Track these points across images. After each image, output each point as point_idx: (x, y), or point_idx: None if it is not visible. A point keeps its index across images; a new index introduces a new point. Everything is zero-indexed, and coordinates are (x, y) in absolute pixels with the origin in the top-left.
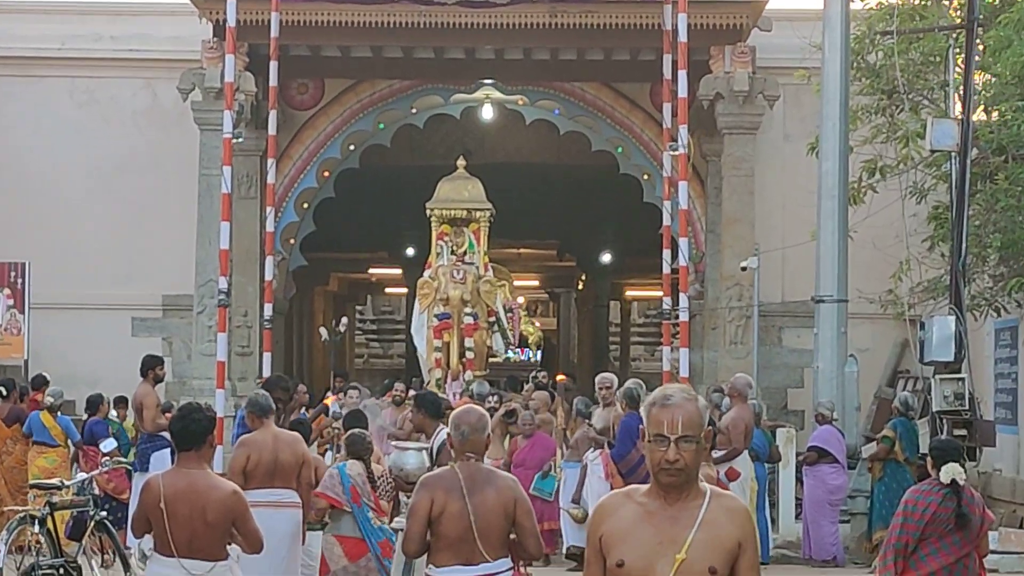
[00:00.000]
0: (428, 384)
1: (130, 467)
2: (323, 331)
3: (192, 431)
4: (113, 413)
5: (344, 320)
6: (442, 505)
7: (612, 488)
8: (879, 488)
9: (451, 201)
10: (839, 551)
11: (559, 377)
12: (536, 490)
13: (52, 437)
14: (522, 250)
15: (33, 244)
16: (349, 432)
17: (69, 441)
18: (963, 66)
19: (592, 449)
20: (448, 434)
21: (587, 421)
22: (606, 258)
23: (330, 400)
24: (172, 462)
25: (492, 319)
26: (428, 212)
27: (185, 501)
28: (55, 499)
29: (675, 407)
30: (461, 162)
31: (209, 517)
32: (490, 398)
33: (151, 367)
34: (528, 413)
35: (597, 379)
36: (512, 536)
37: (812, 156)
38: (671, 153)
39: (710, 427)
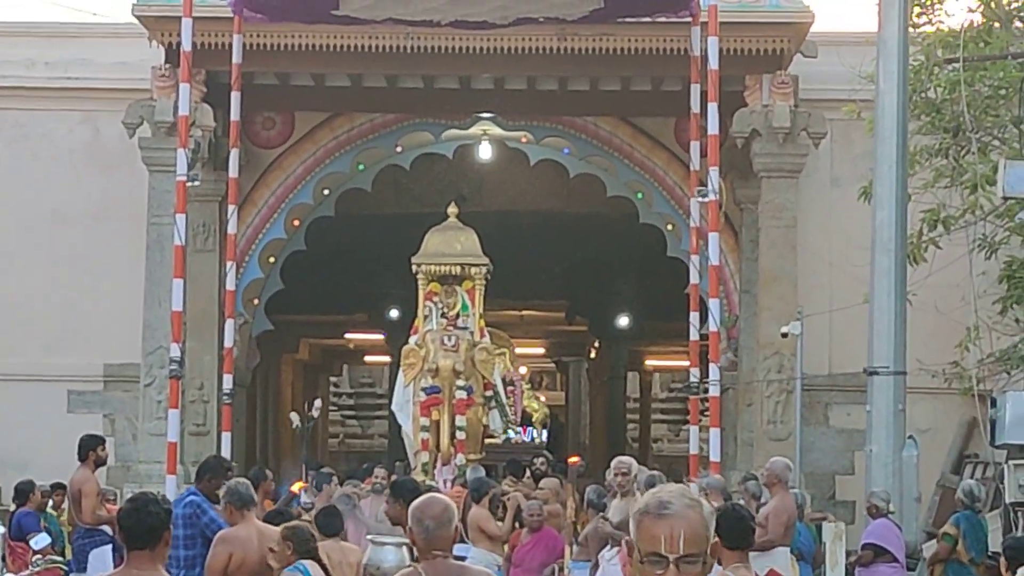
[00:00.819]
0: (415, 470)
1: (65, 567)
2: (295, 417)
3: (148, 526)
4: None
5: (317, 403)
6: None
7: None
8: None
9: (442, 255)
10: None
11: (571, 459)
12: None
13: None
14: (525, 312)
15: None
16: (288, 525)
17: None
18: None
19: (608, 546)
20: (409, 529)
21: (601, 514)
22: (623, 322)
23: (298, 487)
24: (113, 561)
25: (489, 393)
26: (415, 268)
27: None
28: None
29: (675, 518)
30: (453, 209)
31: None
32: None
33: (91, 448)
34: (536, 503)
35: (613, 464)
36: None
37: (864, 203)
38: (700, 200)
39: (715, 539)
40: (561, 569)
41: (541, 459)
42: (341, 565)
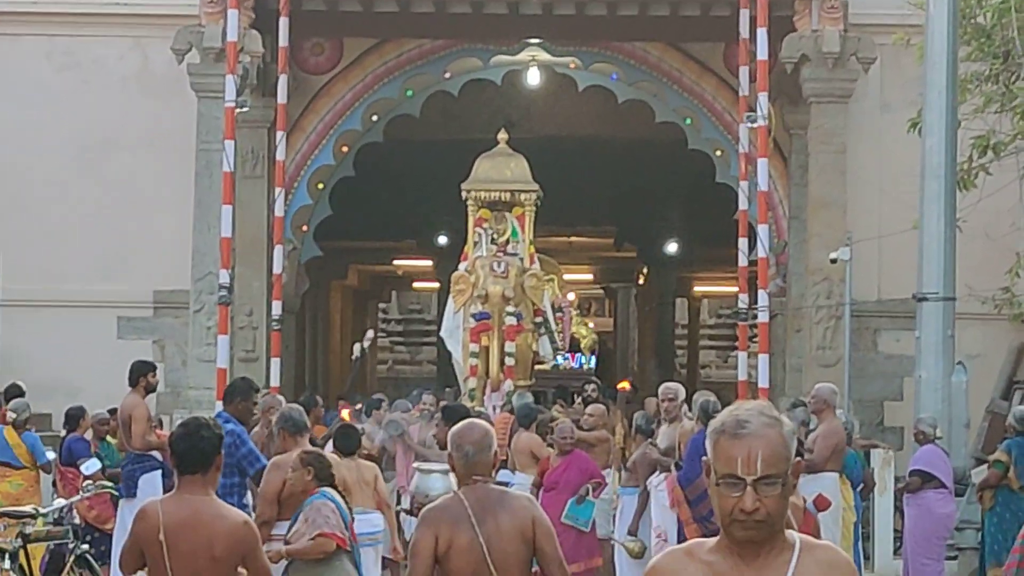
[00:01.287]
0: (463, 396)
1: (116, 492)
2: (357, 348)
3: (200, 451)
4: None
5: (370, 334)
6: (448, 539)
7: (679, 519)
8: (990, 519)
9: (491, 181)
10: None
11: (621, 384)
12: (569, 518)
13: (16, 457)
14: (574, 239)
15: (2, 231)
16: (308, 451)
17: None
18: None
19: (657, 472)
20: (449, 455)
21: (649, 440)
22: (672, 248)
23: (347, 414)
24: (163, 486)
25: (539, 319)
26: (464, 194)
27: (189, 533)
28: (28, 529)
29: (753, 437)
30: (503, 136)
31: (217, 552)
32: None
33: (142, 374)
34: (566, 424)
35: (660, 389)
36: (535, 570)
37: (914, 132)
38: (749, 125)
39: (798, 458)
40: (594, 489)
41: (592, 385)
42: (358, 483)
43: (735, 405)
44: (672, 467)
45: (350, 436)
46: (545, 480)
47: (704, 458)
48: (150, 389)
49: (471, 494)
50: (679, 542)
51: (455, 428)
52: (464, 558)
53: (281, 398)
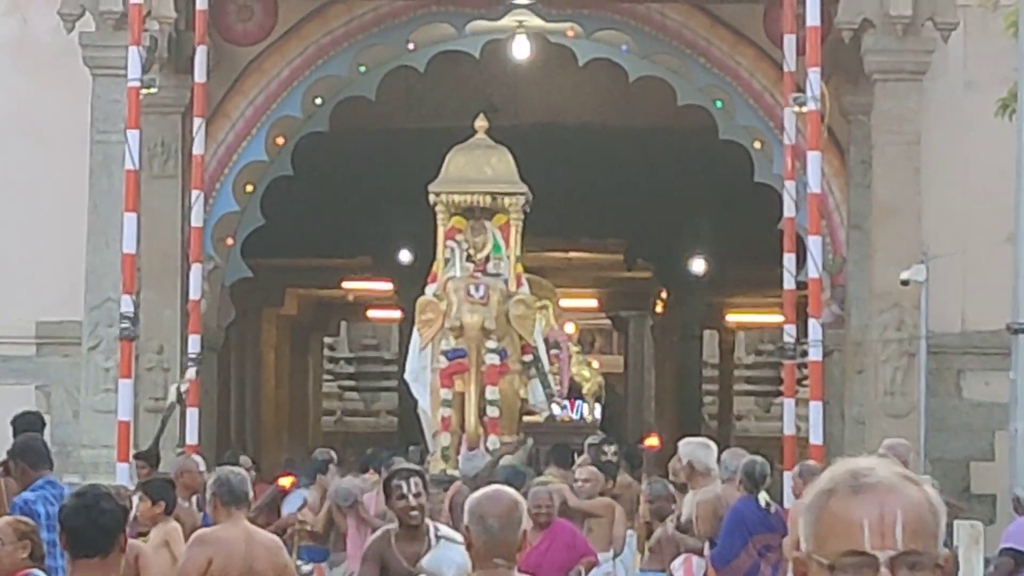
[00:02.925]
0: (432, 456)
1: None
2: (172, 390)
3: (100, 528)
4: None
5: (190, 374)
6: None
7: None
8: None
9: (467, 182)
10: None
11: (648, 442)
12: None
13: None
14: (573, 255)
15: None
16: (20, 518)
17: None
18: None
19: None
20: (466, 528)
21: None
22: (698, 267)
23: (289, 481)
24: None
25: (528, 358)
26: (432, 198)
27: None
28: None
29: (885, 491)
30: (482, 123)
31: None
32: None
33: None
34: (540, 490)
35: (680, 449)
36: None
37: (1004, 118)
38: (796, 109)
39: (946, 550)
40: (587, 571)
41: (613, 447)
42: (158, 550)
43: (849, 463)
44: (706, 545)
45: (164, 487)
46: (522, 563)
47: (794, 554)
48: None
49: None
50: None
51: (476, 496)
52: None
53: (199, 459)
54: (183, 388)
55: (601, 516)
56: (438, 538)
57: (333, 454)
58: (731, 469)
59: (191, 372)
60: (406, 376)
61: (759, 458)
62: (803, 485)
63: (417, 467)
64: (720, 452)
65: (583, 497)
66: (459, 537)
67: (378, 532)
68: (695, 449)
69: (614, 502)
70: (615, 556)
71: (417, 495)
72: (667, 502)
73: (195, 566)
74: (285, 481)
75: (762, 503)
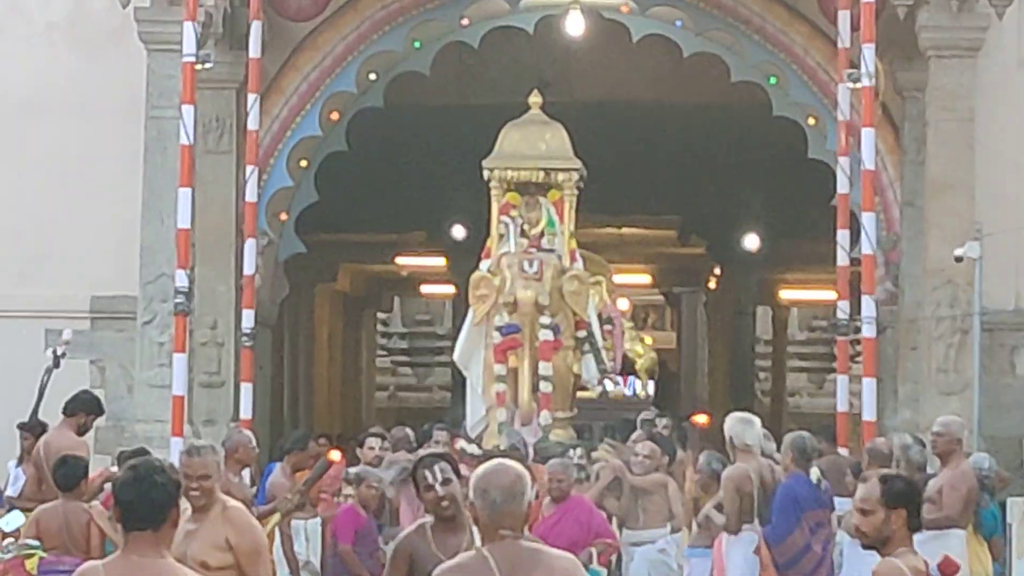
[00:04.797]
0: (487, 431)
1: (44, 554)
2: (50, 353)
3: (151, 501)
4: (13, 468)
5: (67, 334)
6: None
7: None
8: None
9: (521, 157)
10: None
11: (697, 419)
12: None
13: None
14: (626, 230)
15: None
16: None
17: None
18: None
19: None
20: (471, 504)
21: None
22: (751, 243)
23: (336, 454)
24: None
25: (581, 334)
26: (486, 174)
27: None
28: None
29: None
30: (536, 99)
31: None
32: (571, 452)
33: (85, 411)
34: (557, 462)
35: (726, 425)
36: None
37: None
38: (850, 86)
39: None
40: (600, 553)
41: (664, 420)
42: (61, 532)
43: None
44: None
45: (73, 466)
46: (532, 534)
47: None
48: (84, 430)
49: (498, 552)
50: None
51: (479, 470)
52: None
53: (249, 434)
54: (60, 351)
55: (654, 493)
56: None
57: (408, 431)
58: (794, 446)
59: (67, 333)
60: (456, 358)
61: (806, 433)
62: (867, 464)
63: (444, 451)
64: (774, 428)
65: (640, 471)
66: None
67: (412, 526)
68: (735, 424)
69: (668, 478)
70: (672, 532)
71: (445, 482)
72: (711, 478)
73: None
74: (335, 455)
75: (813, 479)
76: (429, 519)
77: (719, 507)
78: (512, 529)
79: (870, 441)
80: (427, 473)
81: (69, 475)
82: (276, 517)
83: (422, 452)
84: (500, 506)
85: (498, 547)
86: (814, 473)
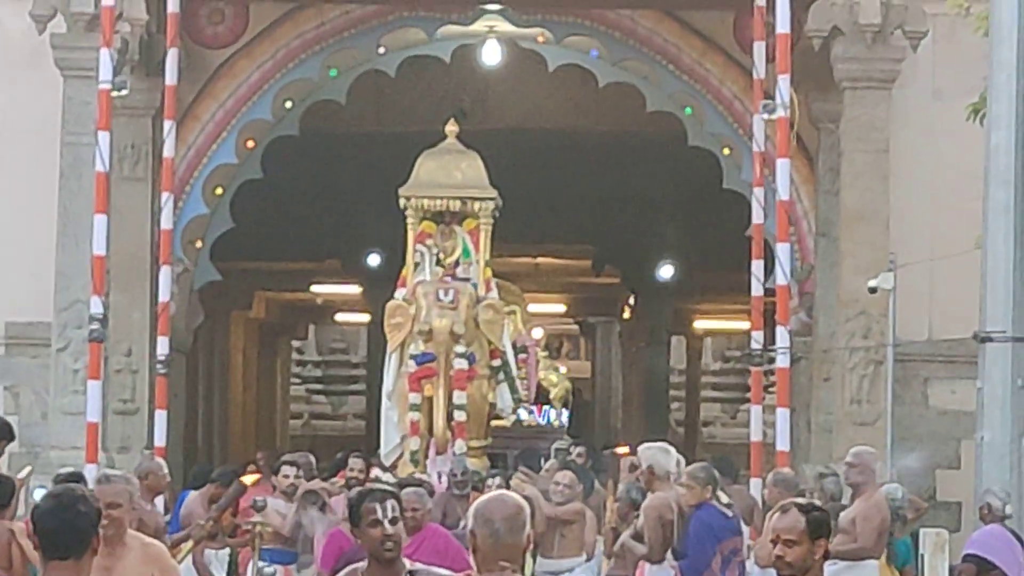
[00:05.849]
0: (401, 459)
1: None
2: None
3: (75, 529)
4: None
5: (26, 471)
6: None
7: None
8: None
9: (437, 186)
10: None
11: (620, 450)
12: None
13: None
14: (541, 260)
15: None
16: None
17: None
18: None
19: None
20: (471, 532)
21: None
22: (666, 272)
23: (251, 480)
24: None
25: (496, 363)
26: (402, 202)
27: None
28: None
29: None
30: (452, 128)
31: None
32: (489, 481)
33: None
34: (420, 493)
35: (640, 454)
36: None
37: (975, 122)
38: (765, 117)
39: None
40: None
41: (579, 449)
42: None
43: None
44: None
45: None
46: None
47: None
48: None
49: None
50: None
51: (481, 500)
52: None
53: (161, 461)
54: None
55: (573, 522)
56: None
57: (312, 457)
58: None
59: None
60: (383, 392)
61: (705, 462)
62: (777, 493)
63: (392, 488)
64: (688, 458)
65: (559, 500)
66: (438, 572)
67: (343, 573)
68: (655, 454)
69: (585, 507)
70: (587, 560)
71: (393, 521)
72: (630, 508)
73: None
74: (248, 479)
75: (723, 504)
76: (362, 565)
77: (637, 536)
78: (510, 561)
79: (776, 471)
80: (376, 507)
81: (2, 493)
82: (188, 545)
83: (368, 485)
84: (503, 537)
85: None
86: (724, 498)
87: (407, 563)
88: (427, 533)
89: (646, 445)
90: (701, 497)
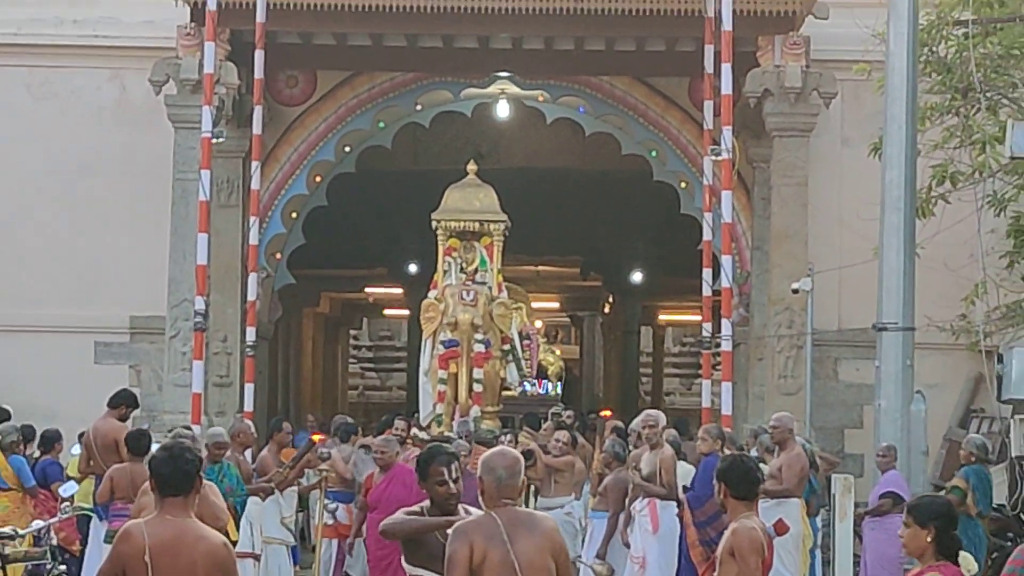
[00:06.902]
0: (433, 420)
1: (92, 514)
2: None
3: (183, 473)
4: (77, 449)
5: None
6: (483, 553)
7: (689, 537)
8: None
9: (460, 211)
10: None
11: (604, 413)
12: None
13: (3, 479)
14: (541, 268)
15: None
16: None
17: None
18: None
19: (640, 498)
20: (480, 478)
21: (635, 466)
22: (637, 277)
23: (318, 438)
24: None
25: (506, 347)
26: (434, 224)
27: (173, 554)
28: (7, 550)
29: None
30: (472, 167)
31: (200, 572)
32: (502, 437)
33: (127, 405)
34: (388, 439)
35: (641, 417)
36: None
37: (875, 159)
38: (713, 158)
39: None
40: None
41: (569, 412)
42: (128, 486)
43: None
44: (680, 490)
45: (141, 437)
46: (369, 499)
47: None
48: (124, 419)
49: (503, 515)
50: (679, 564)
51: (488, 453)
52: (496, 572)
53: (250, 423)
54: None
55: (565, 470)
56: None
57: (349, 419)
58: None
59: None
60: (420, 370)
61: (715, 424)
62: (708, 442)
63: (454, 451)
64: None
65: (557, 453)
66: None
67: (413, 509)
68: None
69: (576, 458)
70: (575, 499)
71: (456, 480)
72: (612, 458)
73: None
74: (316, 437)
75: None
76: (425, 503)
77: (648, 478)
78: (511, 499)
79: (704, 426)
80: (444, 470)
81: (141, 444)
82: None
83: (434, 445)
84: (504, 481)
85: (501, 511)
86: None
87: (463, 509)
88: (396, 471)
89: (658, 412)
90: (712, 448)
